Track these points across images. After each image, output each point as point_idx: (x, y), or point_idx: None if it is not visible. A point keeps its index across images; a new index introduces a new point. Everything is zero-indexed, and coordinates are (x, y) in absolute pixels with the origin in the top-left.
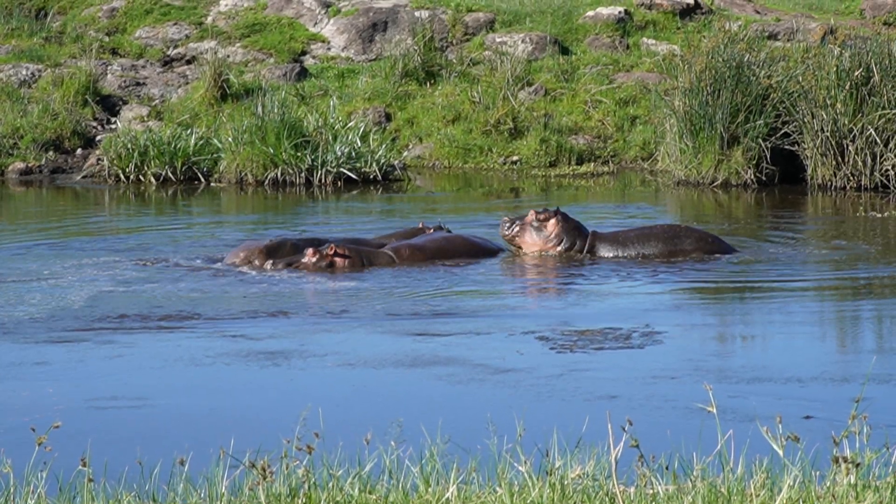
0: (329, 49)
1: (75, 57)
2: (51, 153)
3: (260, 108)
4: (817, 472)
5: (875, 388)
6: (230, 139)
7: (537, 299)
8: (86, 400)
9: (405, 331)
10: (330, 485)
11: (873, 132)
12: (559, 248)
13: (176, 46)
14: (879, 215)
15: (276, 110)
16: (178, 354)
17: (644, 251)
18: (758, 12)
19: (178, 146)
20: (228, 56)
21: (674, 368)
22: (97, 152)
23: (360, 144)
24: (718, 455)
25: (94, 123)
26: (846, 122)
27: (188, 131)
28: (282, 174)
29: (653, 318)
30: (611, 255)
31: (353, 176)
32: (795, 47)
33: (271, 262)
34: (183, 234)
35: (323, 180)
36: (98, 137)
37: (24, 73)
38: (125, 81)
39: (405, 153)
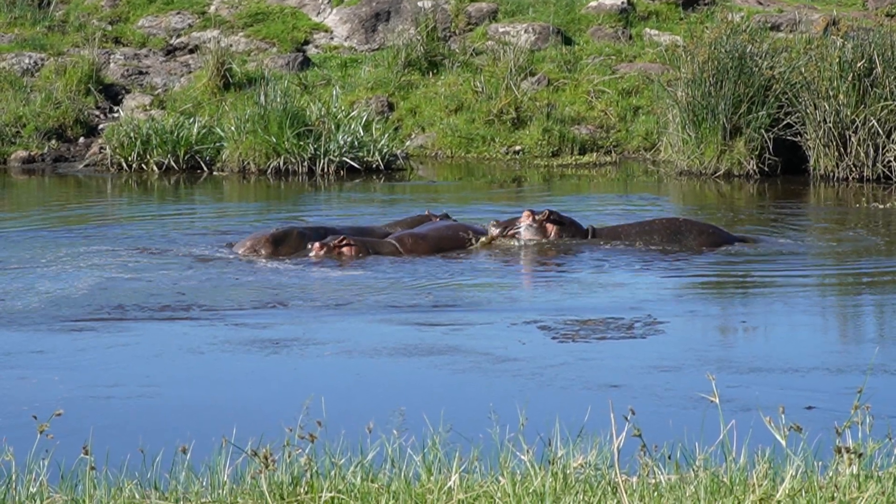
0: (332, 38)
1: (78, 46)
2: (53, 142)
3: (263, 98)
4: (820, 463)
5: (877, 378)
6: (233, 128)
7: (539, 289)
8: (88, 388)
9: (407, 320)
10: (332, 473)
11: (875, 123)
12: None
13: (179, 35)
14: (881, 206)
15: (278, 99)
16: (181, 343)
17: (646, 248)
18: (760, 3)
19: (181, 135)
20: (231, 45)
21: (676, 358)
22: (100, 141)
23: (362, 134)
24: (721, 445)
25: (97, 112)
26: (848, 113)
27: (191, 120)
28: (284, 163)
29: (655, 307)
30: None
31: (356, 165)
32: (798, 38)
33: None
34: (186, 223)
35: (325, 169)
36: (101, 126)
37: (27, 61)
38: (128, 70)
39: (408, 143)
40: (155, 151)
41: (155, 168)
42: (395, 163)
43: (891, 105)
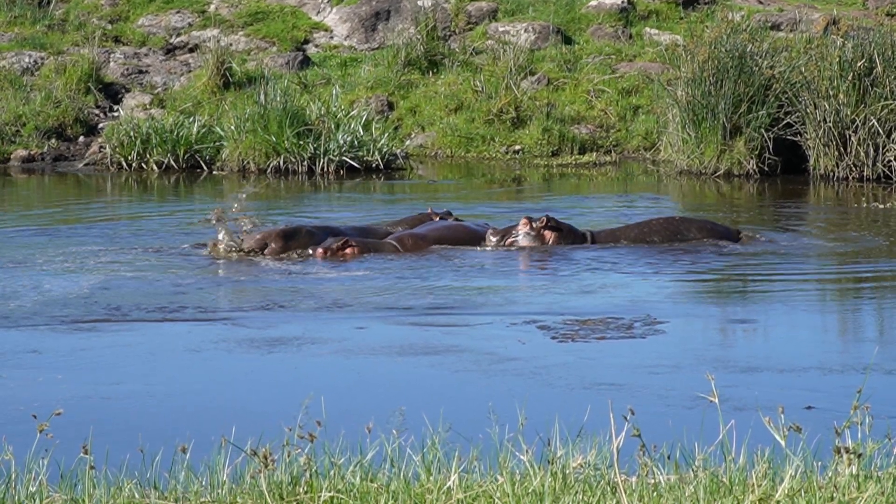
0: (332, 38)
1: (78, 45)
2: (53, 141)
3: (262, 97)
4: (819, 463)
5: (877, 378)
6: (232, 127)
7: (539, 288)
8: (87, 388)
9: (407, 320)
10: (331, 473)
11: (876, 123)
12: None
13: (179, 34)
14: (882, 206)
15: (278, 99)
16: (180, 343)
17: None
18: (760, 2)
19: (181, 134)
20: (231, 44)
21: (675, 358)
22: (99, 140)
23: (362, 133)
24: (720, 445)
25: (97, 111)
26: (848, 112)
27: (190, 119)
28: (284, 162)
29: (655, 307)
30: None
31: (356, 164)
32: (798, 38)
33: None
34: (186, 222)
35: (325, 169)
36: (100, 125)
37: (26, 60)
38: (128, 69)
39: (407, 142)
40: (155, 150)
41: (155, 167)
42: (395, 162)
43: (891, 104)
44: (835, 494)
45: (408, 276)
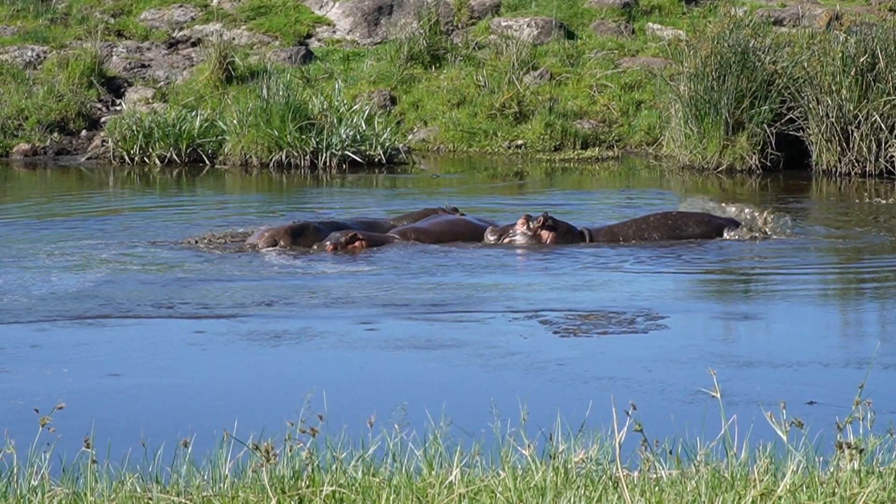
0: (334, 32)
1: (80, 38)
2: (55, 135)
3: (265, 91)
4: (821, 458)
5: (879, 373)
6: (235, 121)
7: (541, 283)
8: (90, 382)
9: (409, 315)
10: (333, 467)
11: (878, 118)
12: None
13: (181, 29)
14: (884, 201)
15: (281, 93)
16: (182, 337)
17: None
18: None
19: (183, 128)
20: (234, 38)
21: (677, 353)
22: (102, 134)
23: (364, 128)
24: (722, 440)
25: (99, 105)
26: (851, 108)
27: (193, 113)
28: (286, 157)
29: (657, 302)
30: None
31: (358, 159)
32: (801, 33)
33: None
34: (188, 216)
35: (328, 163)
36: (103, 119)
37: (29, 54)
38: (130, 63)
39: (410, 136)
40: (157, 144)
41: (157, 161)
42: (397, 157)
43: (894, 100)
44: (836, 490)
45: (410, 270)
